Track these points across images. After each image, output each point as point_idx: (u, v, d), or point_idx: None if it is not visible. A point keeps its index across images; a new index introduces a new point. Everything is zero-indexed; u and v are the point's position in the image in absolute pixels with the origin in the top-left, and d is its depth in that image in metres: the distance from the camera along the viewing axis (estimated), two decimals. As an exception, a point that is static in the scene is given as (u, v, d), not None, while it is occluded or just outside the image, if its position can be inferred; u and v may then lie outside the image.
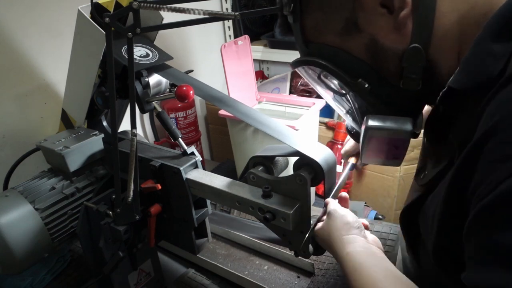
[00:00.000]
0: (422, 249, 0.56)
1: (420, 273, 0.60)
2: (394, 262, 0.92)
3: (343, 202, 0.66)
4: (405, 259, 0.75)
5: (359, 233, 0.57)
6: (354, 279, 0.51)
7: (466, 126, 0.41)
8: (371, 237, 0.60)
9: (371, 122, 0.50)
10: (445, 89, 0.45)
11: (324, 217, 0.62)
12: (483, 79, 0.39)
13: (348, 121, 0.63)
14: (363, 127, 0.52)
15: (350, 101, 0.58)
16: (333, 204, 0.62)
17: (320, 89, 0.62)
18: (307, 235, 0.61)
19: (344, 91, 0.58)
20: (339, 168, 1.30)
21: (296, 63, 0.55)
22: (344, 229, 0.57)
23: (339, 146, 1.31)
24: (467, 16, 0.44)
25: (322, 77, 0.59)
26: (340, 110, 0.64)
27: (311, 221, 0.62)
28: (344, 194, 0.67)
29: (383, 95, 0.51)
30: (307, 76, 0.59)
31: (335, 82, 0.58)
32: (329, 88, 0.60)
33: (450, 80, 0.44)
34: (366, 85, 0.50)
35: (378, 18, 0.46)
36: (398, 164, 0.55)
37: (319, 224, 0.62)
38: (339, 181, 0.67)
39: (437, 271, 0.48)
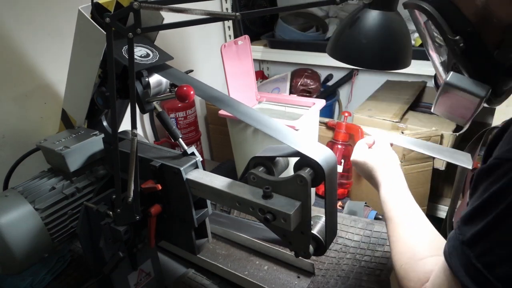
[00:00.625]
0: None
1: None
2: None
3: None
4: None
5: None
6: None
7: None
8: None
9: (451, 79, 0.53)
10: None
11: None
12: None
13: (438, 71, 0.64)
14: (444, 79, 0.54)
15: (443, 54, 0.60)
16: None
17: (422, 34, 0.63)
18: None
19: (441, 44, 0.59)
20: (339, 168, 1.30)
21: (407, 4, 0.57)
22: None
23: (339, 146, 1.31)
24: None
25: (427, 24, 0.60)
26: (433, 58, 0.65)
27: (311, 222, 0.62)
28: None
29: (476, 59, 0.52)
30: (415, 19, 0.61)
31: (436, 32, 0.59)
32: (430, 35, 0.61)
33: None
34: (461, 44, 0.51)
35: None
36: (463, 124, 0.58)
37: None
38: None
39: None
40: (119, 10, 0.57)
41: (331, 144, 1.32)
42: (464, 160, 0.89)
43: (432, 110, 0.60)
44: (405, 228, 0.65)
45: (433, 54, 0.65)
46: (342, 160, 1.31)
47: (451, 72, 0.54)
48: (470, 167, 0.87)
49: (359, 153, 0.83)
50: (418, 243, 0.61)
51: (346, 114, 1.33)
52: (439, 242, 0.58)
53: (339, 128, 1.31)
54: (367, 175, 0.81)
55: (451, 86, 0.53)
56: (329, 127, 1.36)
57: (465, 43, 0.51)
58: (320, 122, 1.36)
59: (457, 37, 0.51)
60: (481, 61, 0.53)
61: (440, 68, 0.64)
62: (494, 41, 0.50)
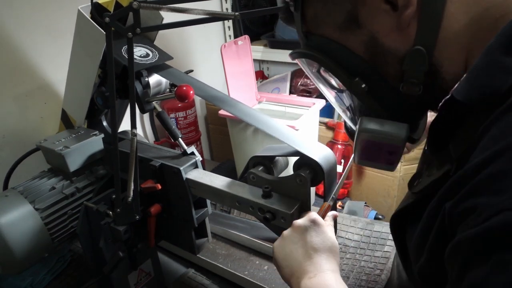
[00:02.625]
0: (407, 256, 0.54)
1: (411, 279, 0.58)
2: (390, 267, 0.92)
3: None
4: (398, 264, 0.74)
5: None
6: None
7: (467, 140, 0.39)
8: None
9: (365, 125, 0.49)
10: (447, 96, 0.42)
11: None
12: (490, 93, 0.37)
13: (346, 118, 0.61)
14: (357, 128, 0.50)
15: (348, 99, 0.56)
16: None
17: (319, 83, 0.60)
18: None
19: (341, 89, 0.56)
20: (339, 168, 1.30)
21: (294, 54, 0.53)
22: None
23: (339, 146, 1.31)
24: (480, 19, 0.41)
25: (321, 71, 0.56)
26: (338, 107, 0.62)
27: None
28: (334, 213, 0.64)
29: (381, 97, 0.48)
30: (306, 68, 0.57)
31: (334, 78, 0.56)
32: (327, 83, 0.57)
33: (454, 88, 0.41)
34: (363, 85, 0.47)
35: (381, 14, 0.43)
36: (392, 170, 0.53)
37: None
38: (339, 182, 0.67)
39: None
40: (119, 10, 0.57)
41: (331, 144, 1.32)
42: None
43: (355, 163, 0.55)
44: None
45: (335, 101, 0.61)
46: (342, 160, 1.31)
47: (362, 118, 0.49)
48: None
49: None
50: None
51: None
52: None
53: (339, 128, 1.31)
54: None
55: (368, 132, 0.48)
56: (329, 127, 1.36)
57: (366, 83, 0.47)
58: (320, 122, 1.36)
59: (356, 78, 0.47)
60: (389, 98, 0.48)
61: (348, 116, 0.59)
62: (396, 74, 0.46)
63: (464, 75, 0.41)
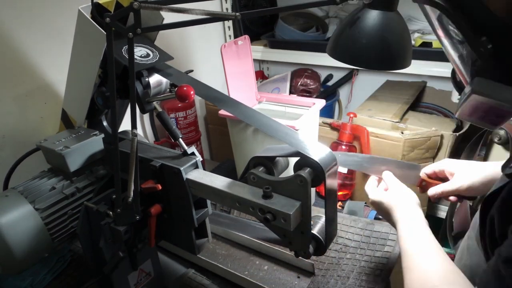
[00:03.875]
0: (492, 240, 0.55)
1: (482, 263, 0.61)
2: (393, 263, 0.92)
3: None
4: (470, 247, 0.75)
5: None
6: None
7: None
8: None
9: (482, 88, 0.45)
10: None
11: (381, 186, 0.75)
12: None
13: (456, 68, 0.55)
14: (468, 87, 0.47)
15: (467, 52, 0.51)
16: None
17: (437, 30, 0.54)
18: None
19: (463, 40, 0.49)
20: (343, 170, 1.30)
21: None
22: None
23: (344, 147, 1.30)
24: None
25: (442, 18, 0.51)
26: (451, 53, 0.55)
27: (311, 221, 0.62)
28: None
29: (505, 63, 0.44)
30: (427, 13, 0.52)
31: (455, 31, 0.50)
32: (447, 33, 0.51)
33: None
34: (490, 46, 0.43)
35: None
36: (494, 129, 0.53)
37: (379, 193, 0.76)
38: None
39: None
40: (119, 10, 0.57)
41: (336, 145, 1.32)
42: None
43: (456, 116, 0.52)
44: (419, 258, 0.62)
45: (450, 48, 0.54)
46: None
47: (477, 79, 0.46)
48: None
49: (374, 193, 0.82)
50: (431, 272, 0.58)
51: (352, 115, 1.33)
52: (454, 273, 0.55)
53: (343, 129, 1.31)
54: (385, 214, 0.79)
55: (480, 95, 0.45)
56: (334, 127, 1.36)
57: (494, 44, 0.42)
58: (324, 122, 1.36)
59: (484, 38, 0.42)
60: None
61: (460, 65, 0.53)
62: None
63: None
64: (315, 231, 0.64)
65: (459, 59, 0.53)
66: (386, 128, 1.33)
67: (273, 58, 1.79)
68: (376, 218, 1.18)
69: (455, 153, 1.34)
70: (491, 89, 0.45)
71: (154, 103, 0.76)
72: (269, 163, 0.65)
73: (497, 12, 0.42)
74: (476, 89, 0.45)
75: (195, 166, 0.72)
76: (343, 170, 1.31)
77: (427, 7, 0.50)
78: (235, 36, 1.72)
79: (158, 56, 0.79)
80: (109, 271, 0.75)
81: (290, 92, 1.75)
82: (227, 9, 1.69)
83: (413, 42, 1.47)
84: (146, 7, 0.54)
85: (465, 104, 0.48)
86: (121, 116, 1.01)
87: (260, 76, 1.91)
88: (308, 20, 1.82)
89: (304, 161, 0.60)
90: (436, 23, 0.52)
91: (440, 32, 0.53)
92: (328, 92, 1.88)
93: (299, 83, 1.77)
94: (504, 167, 0.55)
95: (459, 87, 0.53)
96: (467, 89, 0.47)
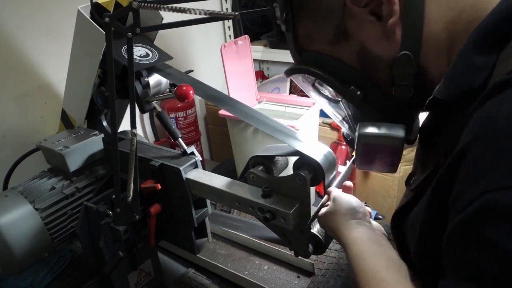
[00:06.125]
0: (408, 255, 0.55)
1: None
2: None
3: (347, 190, 0.66)
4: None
5: (364, 218, 0.58)
6: (357, 265, 0.52)
7: (452, 135, 0.41)
8: (374, 224, 0.61)
9: (364, 129, 0.51)
10: (430, 97, 0.45)
11: (328, 203, 0.62)
12: (465, 90, 0.40)
13: (344, 128, 0.63)
14: (356, 134, 0.52)
15: (344, 108, 0.59)
16: (336, 190, 0.63)
17: (315, 96, 0.62)
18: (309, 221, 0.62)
19: (338, 99, 0.58)
20: (341, 168, 1.30)
21: (289, 71, 0.56)
22: (350, 213, 0.58)
23: (343, 147, 1.30)
24: (455, 23, 0.44)
25: (316, 84, 0.59)
26: (335, 117, 0.64)
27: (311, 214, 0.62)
28: (348, 183, 0.67)
29: (376, 102, 0.51)
30: (302, 84, 0.60)
31: (329, 89, 0.59)
32: (324, 95, 0.60)
33: (435, 89, 0.44)
34: (358, 93, 0.50)
35: (367, 25, 0.46)
36: (393, 171, 0.55)
37: (323, 209, 0.62)
38: (341, 174, 0.68)
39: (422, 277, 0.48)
40: (119, 9, 0.57)
41: (336, 145, 1.32)
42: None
43: (356, 168, 0.58)
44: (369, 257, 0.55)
45: (333, 112, 0.63)
46: (347, 161, 1.31)
47: (360, 123, 0.52)
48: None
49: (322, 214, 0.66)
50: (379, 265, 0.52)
51: None
52: (397, 263, 0.52)
53: (344, 129, 1.31)
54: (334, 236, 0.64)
55: (367, 136, 0.50)
56: (334, 127, 1.36)
57: (361, 90, 0.50)
58: (323, 122, 1.36)
59: (352, 87, 0.50)
60: (383, 102, 0.51)
61: (346, 125, 0.62)
62: (387, 79, 0.48)
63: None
64: (314, 230, 0.64)
65: (343, 121, 0.61)
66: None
67: (273, 58, 1.79)
68: (376, 218, 1.18)
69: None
70: (372, 127, 0.51)
71: (154, 103, 0.76)
72: (268, 162, 0.65)
73: (354, 65, 0.50)
74: (360, 132, 0.51)
75: (195, 165, 0.72)
76: (343, 170, 1.31)
77: (301, 79, 0.58)
78: (235, 36, 1.72)
79: (158, 56, 0.79)
80: (109, 271, 0.75)
81: (290, 92, 1.75)
82: (227, 9, 1.69)
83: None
84: (146, 6, 0.54)
85: (359, 152, 0.53)
86: (121, 116, 1.01)
87: (260, 76, 1.91)
88: (308, 20, 1.82)
89: (304, 161, 0.60)
90: (314, 91, 0.60)
91: (319, 99, 0.61)
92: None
93: (299, 83, 1.77)
94: (407, 182, 0.56)
95: (353, 145, 0.57)
96: (356, 141, 0.52)
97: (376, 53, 0.48)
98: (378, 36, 0.46)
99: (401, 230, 0.55)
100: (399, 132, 0.49)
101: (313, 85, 0.59)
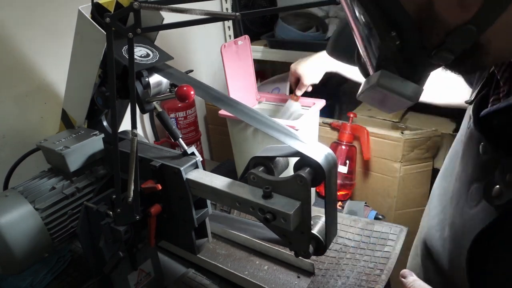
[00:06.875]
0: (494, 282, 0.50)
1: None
2: (393, 263, 0.92)
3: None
4: (427, 267, 0.72)
5: None
6: None
7: None
8: None
9: (382, 80, 0.46)
10: None
11: None
12: None
13: (363, 51, 0.55)
14: (373, 77, 0.48)
15: (373, 43, 0.51)
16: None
17: (349, 16, 0.54)
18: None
19: (371, 29, 0.50)
20: (343, 169, 1.30)
21: None
22: None
23: (344, 147, 1.31)
24: None
25: (355, 9, 0.51)
26: (359, 39, 0.55)
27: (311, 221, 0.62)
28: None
29: (410, 59, 0.46)
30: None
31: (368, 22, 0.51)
32: (359, 20, 0.52)
33: None
34: (398, 42, 0.44)
35: None
36: (389, 113, 0.53)
37: None
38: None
39: None
40: (119, 10, 0.57)
41: (336, 145, 1.32)
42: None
43: (357, 97, 0.53)
44: None
45: (357, 33, 0.54)
46: (347, 161, 1.31)
47: (382, 72, 0.47)
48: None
49: None
50: None
51: (352, 115, 1.33)
52: None
53: (343, 129, 1.31)
54: None
55: (384, 88, 0.46)
56: (334, 127, 1.36)
57: (402, 41, 0.44)
58: (323, 122, 1.36)
59: (394, 33, 0.44)
60: (416, 62, 0.46)
61: (368, 50, 0.53)
62: (435, 42, 0.43)
63: None
64: (315, 231, 0.64)
65: (367, 44, 0.53)
66: (386, 128, 1.33)
67: (273, 58, 1.79)
68: (376, 218, 1.18)
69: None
70: (395, 84, 0.46)
71: (154, 103, 0.76)
72: (269, 163, 0.65)
73: (410, 12, 0.43)
74: (380, 83, 0.46)
75: (195, 166, 0.72)
76: (343, 170, 1.31)
77: None
78: (235, 36, 1.72)
79: (158, 56, 0.79)
80: (109, 271, 0.75)
81: (290, 92, 1.75)
82: (227, 9, 1.69)
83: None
84: (146, 7, 0.54)
85: (369, 93, 0.49)
86: (121, 116, 1.01)
87: (260, 76, 1.91)
88: (308, 20, 1.82)
89: (304, 161, 0.60)
90: (351, 11, 0.52)
91: (351, 17, 0.52)
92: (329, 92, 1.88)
93: (299, 83, 1.77)
94: (487, 195, 0.50)
95: (363, 68, 0.53)
96: (373, 79, 0.48)
97: (441, 15, 0.42)
98: (452, 1, 0.41)
99: (482, 255, 0.50)
100: (413, 94, 0.46)
101: (352, 8, 0.51)
